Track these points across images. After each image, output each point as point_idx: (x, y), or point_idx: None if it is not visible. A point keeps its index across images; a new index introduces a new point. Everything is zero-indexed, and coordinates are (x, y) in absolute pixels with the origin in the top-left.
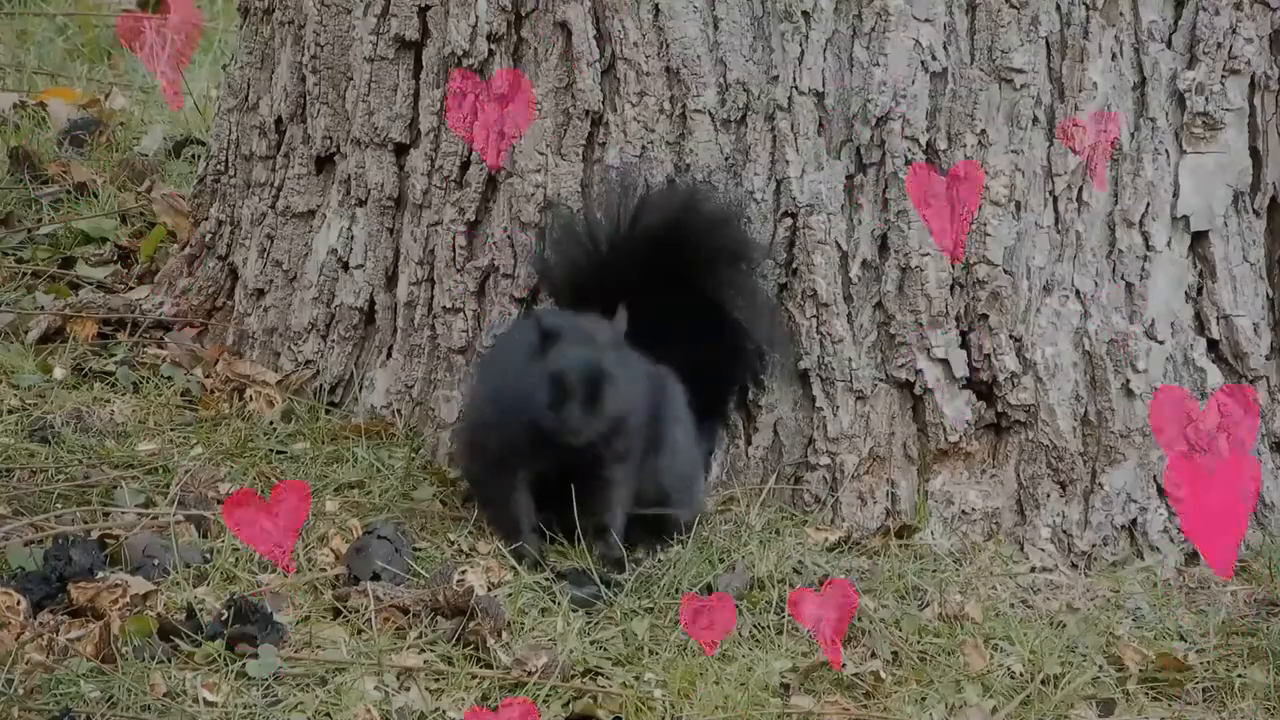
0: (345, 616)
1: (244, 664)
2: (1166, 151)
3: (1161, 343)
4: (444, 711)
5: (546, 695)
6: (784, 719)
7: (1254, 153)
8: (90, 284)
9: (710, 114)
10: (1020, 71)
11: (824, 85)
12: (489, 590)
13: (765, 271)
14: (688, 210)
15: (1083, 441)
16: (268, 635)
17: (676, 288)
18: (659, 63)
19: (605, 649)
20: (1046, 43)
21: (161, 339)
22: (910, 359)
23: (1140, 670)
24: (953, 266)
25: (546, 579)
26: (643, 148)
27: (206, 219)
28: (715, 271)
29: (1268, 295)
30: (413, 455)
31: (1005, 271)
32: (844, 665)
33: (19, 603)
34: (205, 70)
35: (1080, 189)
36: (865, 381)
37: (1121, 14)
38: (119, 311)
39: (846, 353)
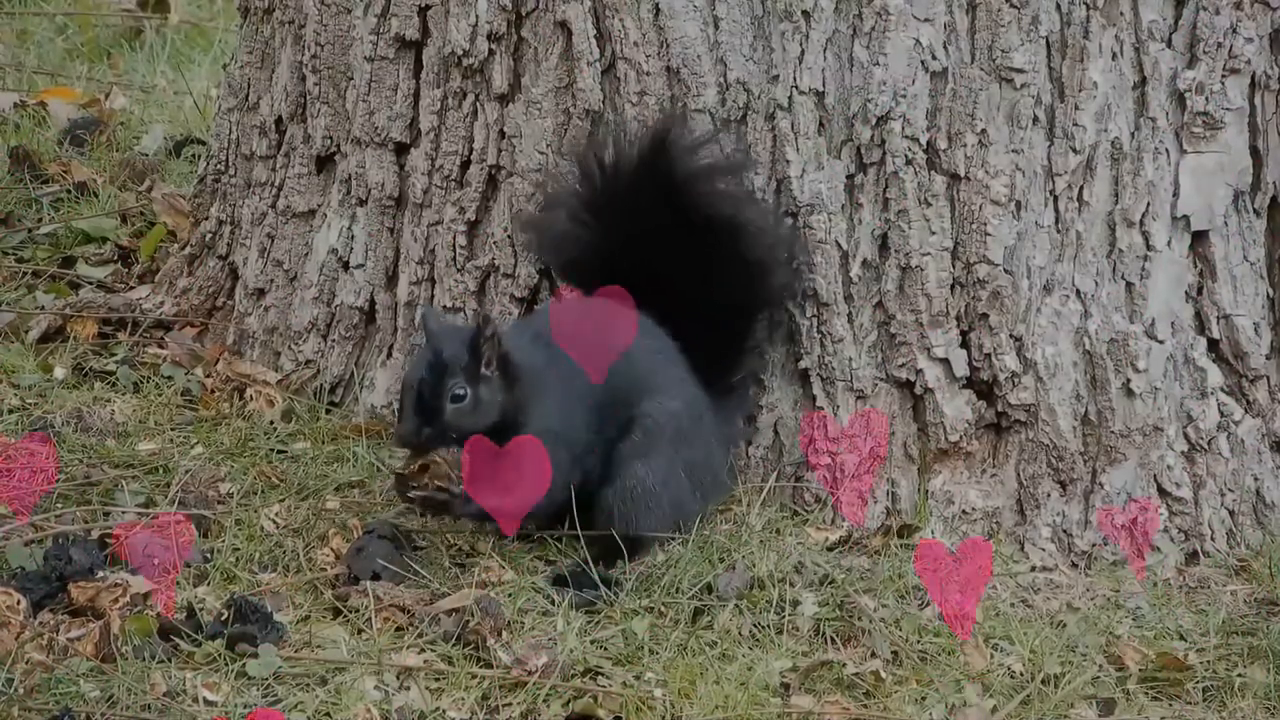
0: (345, 616)
1: (244, 664)
2: (1167, 151)
3: (1162, 342)
4: (444, 711)
5: (546, 695)
6: (784, 719)
7: (1254, 152)
8: (90, 283)
9: (710, 114)
10: (1020, 71)
11: (824, 85)
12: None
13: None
14: (669, 130)
15: (1083, 441)
16: (268, 635)
17: (683, 214)
18: (659, 62)
19: (605, 648)
20: (1047, 42)
21: (162, 339)
22: (910, 359)
23: (1140, 670)
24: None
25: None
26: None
27: (207, 218)
28: (711, 184)
29: (1268, 294)
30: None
31: (1005, 271)
32: (844, 665)
33: (19, 602)
34: (205, 70)
35: (1080, 189)
36: (866, 381)
37: (1122, 13)
38: (119, 311)
39: (847, 352)
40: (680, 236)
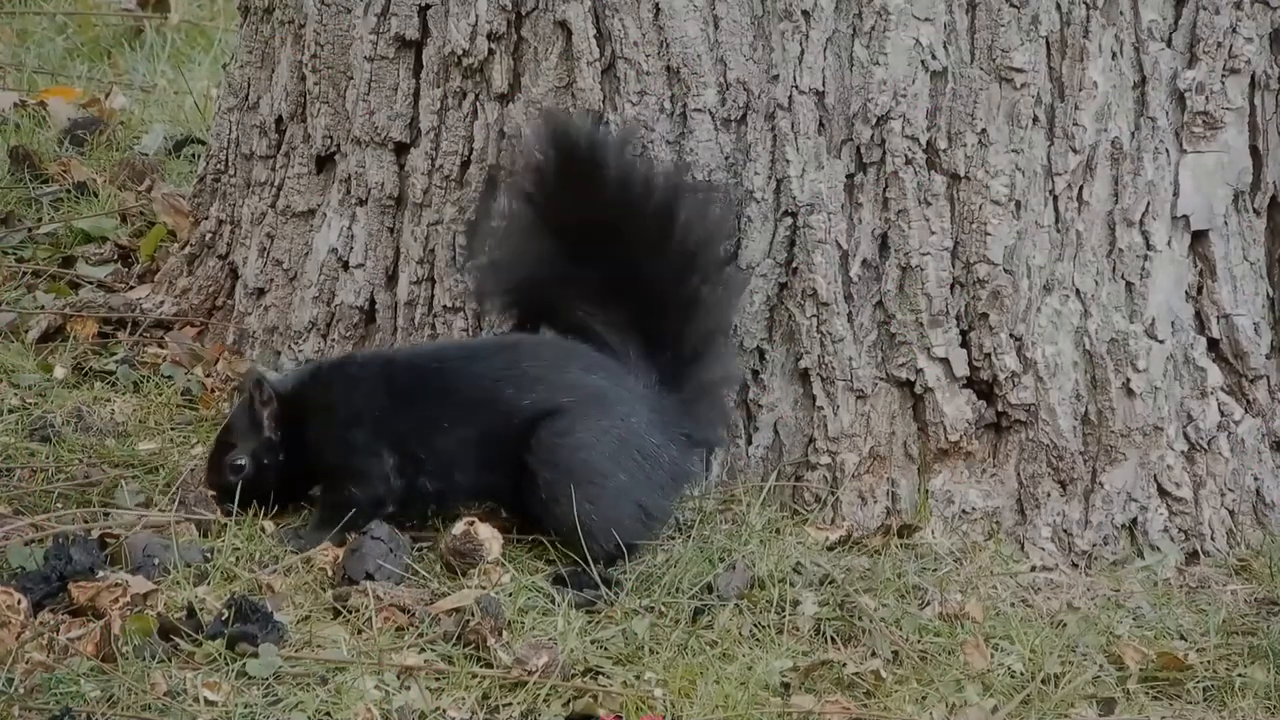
0: (345, 616)
1: (244, 663)
2: (1167, 151)
3: (1162, 342)
4: (444, 711)
5: (546, 695)
6: (784, 718)
7: (1254, 152)
8: (90, 283)
9: (710, 113)
10: (1020, 71)
11: (824, 84)
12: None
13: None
14: (568, 126)
15: (1083, 441)
16: (268, 634)
17: (615, 205)
18: (659, 62)
19: (605, 648)
20: (1046, 42)
21: (162, 338)
22: (910, 358)
23: (1140, 670)
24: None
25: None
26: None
27: (207, 218)
28: (627, 165)
29: (1268, 294)
30: None
31: (1005, 271)
32: (844, 665)
33: (19, 602)
34: (205, 70)
35: (1080, 188)
36: (866, 380)
37: (1121, 13)
38: (119, 311)
39: (847, 352)
40: (617, 228)
